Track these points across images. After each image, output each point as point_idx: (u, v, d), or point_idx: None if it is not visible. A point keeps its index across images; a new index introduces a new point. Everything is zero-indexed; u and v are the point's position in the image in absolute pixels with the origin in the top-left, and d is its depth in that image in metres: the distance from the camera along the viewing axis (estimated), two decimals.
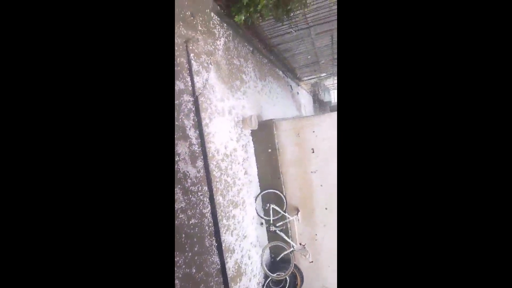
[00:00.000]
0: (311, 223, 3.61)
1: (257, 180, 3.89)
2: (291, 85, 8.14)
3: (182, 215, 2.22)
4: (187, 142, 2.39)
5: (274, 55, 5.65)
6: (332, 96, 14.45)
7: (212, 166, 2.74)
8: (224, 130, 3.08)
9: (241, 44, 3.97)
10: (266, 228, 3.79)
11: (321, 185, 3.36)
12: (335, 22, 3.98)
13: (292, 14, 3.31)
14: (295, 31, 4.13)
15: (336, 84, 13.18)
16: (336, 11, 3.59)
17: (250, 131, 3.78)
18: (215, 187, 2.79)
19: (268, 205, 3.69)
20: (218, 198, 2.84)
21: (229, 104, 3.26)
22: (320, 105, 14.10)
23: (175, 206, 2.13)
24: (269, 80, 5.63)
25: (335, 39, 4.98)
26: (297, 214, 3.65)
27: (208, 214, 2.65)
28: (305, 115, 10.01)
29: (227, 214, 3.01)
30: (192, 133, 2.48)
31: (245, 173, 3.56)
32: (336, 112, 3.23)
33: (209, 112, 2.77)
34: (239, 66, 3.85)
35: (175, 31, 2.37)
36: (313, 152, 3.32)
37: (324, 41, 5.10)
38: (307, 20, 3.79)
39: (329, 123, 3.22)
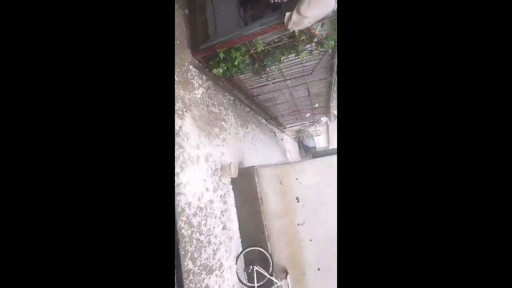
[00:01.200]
0: None
1: (238, 236, 3.40)
2: (274, 132, 8.34)
3: None
4: None
5: (256, 105, 5.89)
6: (316, 142, 14.97)
7: (180, 223, 2.34)
8: (198, 179, 2.80)
9: (221, 94, 4.09)
10: None
11: (310, 240, 2.95)
12: (309, 77, 4.33)
13: (268, 69, 3.54)
14: (273, 84, 4.40)
15: (317, 131, 13.82)
16: (308, 67, 3.92)
17: (230, 180, 3.51)
18: (184, 249, 2.32)
19: (252, 267, 3.12)
20: (187, 264, 2.33)
21: (205, 151, 3.08)
22: (305, 150, 14.41)
23: None
24: (252, 127, 5.70)
25: (311, 91, 5.37)
26: (286, 277, 3.08)
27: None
28: (291, 160, 10.01)
29: (198, 285, 2.44)
30: None
31: (224, 228, 3.11)
32: (319, 159, 3.12)
33: (181, 160, 2.54)
34: (219, 114, 3.86)
35: None
36: (298, 201, 3.04)
37: (300, 92, 5.46)
38: (283, 73, 4.08)
39: (312, 169, 3.06)
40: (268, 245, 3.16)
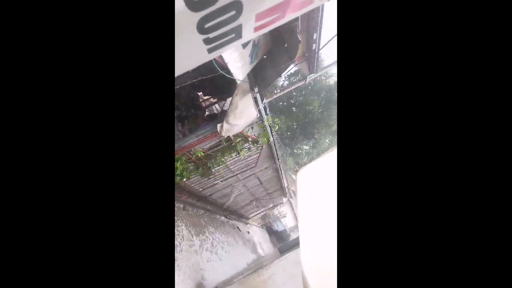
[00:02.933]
0: None
1: None
2: (238, 227, 7.63)
3: None
4: None
5: (211, 204, 5.54)
6: (284, 224, 14.25)
7: None
8: None
9: None
10: None
11: None
12: (255, 168, 4.57)
13: (213, 170, 3.58)
14: (222, 182, 4.39)
15: (281, 213, 13.52)
16: (252, 160, 4.20)
17: None
18: None
19: None
20: None
21: None
22: (277, 237, 13.28)
23: None
24: (210, 231, 5.06)
25: (261, 179, 5.57)
26: None
27: None
28: (263, 255, 8.82)
29: None
30: None
31: None
32: (287, 255, 2.76)
33: None
34: None
35: None
36: None
37: (253, 182, 5.57)
38: (231, 169, 4.19)
39: (284, 272, 2.61)
40: None
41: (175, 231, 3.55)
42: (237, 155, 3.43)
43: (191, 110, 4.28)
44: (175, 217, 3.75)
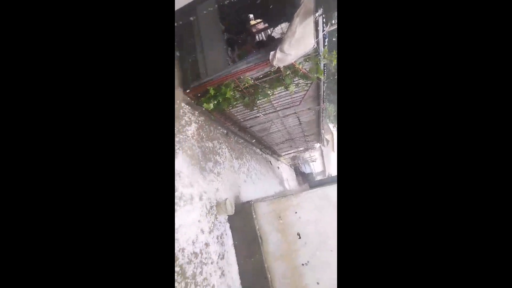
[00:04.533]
0: None
1: (239, 283, 3.05)
2: (270, 161, 8.27)
3: None
4: None
5: (250, 135, 5.92)
6: (312, 168, 14.87)
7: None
8: (192, 221, 2.60)
9: (213, 128, 4.11)
10: None
11: (317, 283, 2.66)
12: (298, 107, 4.46)
13: (258, 102, 3.64)
14: (264, 115, 4.49)
15: (312, 157, 13.81)
16: (297, 98, 4.07)
17: (226, 218, 3.29)
18: None
19: None
20: None
21: (199, 189, 2.94)
22: (303, 177, 14.20)
23: None
24: (247, 159, 5.63)
25: (302, 120, 5.50)
26: None
27: None
28: (289, 189, 9.75)
29: None
30: None
31: (222, 274, 2.80)
32: (315, 190, 3.01)
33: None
34: (212, 148, 3.82)
35: None
36: (300, 237, 2.82)
37: (291, 121, 5.57)
38: (273, 105, 4.19)
39: (310, 202, 2.92)
40: None
41: (219, 151, 4.05)
42: (285, 90, 3.34)
43: (241, 35, 4.04)
44: (220, 141, 4.20)
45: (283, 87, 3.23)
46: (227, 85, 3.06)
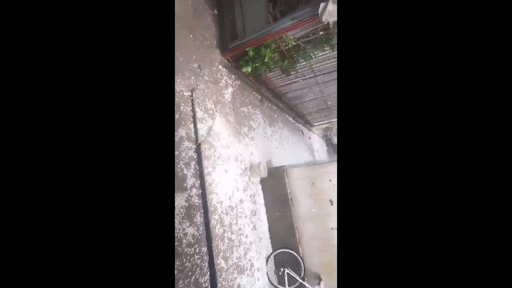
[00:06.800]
0: None
1: (268, 236, 3.35)
2: (302, 130, 8.11)
3: None
4: (185, 194, 2.12)
5: (284, 103, 5.77)
6: None
7: (213, 221, 2.37)
8: (229, 179, 2.81)
9: (249, 92, 4.08)
10: None
11: None
12: None
13: (297, 66, 3.41)
14: (302, 81, 4.24)
15: None
16: None
17: (259, 179, 3.47)
18: (216, 248, 2.35)
19: (283, 269, 3.05)
20: (220, 262, 2.36)
21: (235, 151, 3.09)
22: (333, 149, 13.80)
23: None
24: (279, 126, 5.60)
25: None
26: (319, 283, 2.95)
27: (207, 284, 2.14)
28: (319, 160, 9.64)
29: (231, 283, 2.45)
30: (192, 183, 2.23)
31: (254, 228, 3.09)
32: None
33: (213, 160, 2.57)
34: (247, 113, 3.85)
35: (182, 81, 2.42)
36: (332, 204, 2.87)
37: (331, 88, 5.18)
38: (313, 69, 3.90)
39: None
40: (300, 249, 3.05)
41: (253, 117, 4.08)
42: (331, 51, 3.04)
43: None
44: (254, 107, 4.19)
45: (329, 48, 2.93)
46: (267, 46, 2.90)
